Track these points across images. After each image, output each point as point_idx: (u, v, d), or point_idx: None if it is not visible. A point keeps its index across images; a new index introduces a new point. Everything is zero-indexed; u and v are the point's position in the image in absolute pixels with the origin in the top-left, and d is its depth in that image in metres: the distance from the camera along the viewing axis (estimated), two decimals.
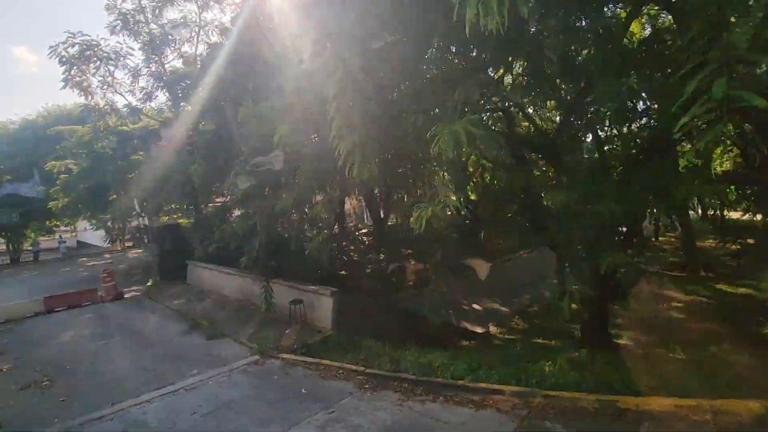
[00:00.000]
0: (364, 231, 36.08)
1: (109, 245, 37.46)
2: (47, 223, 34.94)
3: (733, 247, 12.36)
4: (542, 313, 17.57)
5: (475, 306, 18.33)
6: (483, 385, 6.69)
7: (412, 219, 4.83)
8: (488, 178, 17.01)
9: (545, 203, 8.51)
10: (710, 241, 23.31)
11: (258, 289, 12.16)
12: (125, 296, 15.74)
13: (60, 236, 34.13)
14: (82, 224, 36.06)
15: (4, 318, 13.11)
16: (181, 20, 20.14)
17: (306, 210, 10.19)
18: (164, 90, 19.88)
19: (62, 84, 16.98)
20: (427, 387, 6.95)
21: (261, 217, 10.89)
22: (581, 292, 7.45)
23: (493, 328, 15.55)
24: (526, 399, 6.30)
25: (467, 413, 6.19)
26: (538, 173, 10.15)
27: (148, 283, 18.14)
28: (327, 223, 8.31)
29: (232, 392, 7.24)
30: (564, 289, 6.55)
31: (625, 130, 8.17)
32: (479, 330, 15.39)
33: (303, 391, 7.15)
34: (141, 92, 20.13)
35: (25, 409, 7.24)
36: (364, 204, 28.75)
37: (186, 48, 21.38)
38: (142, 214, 24.00)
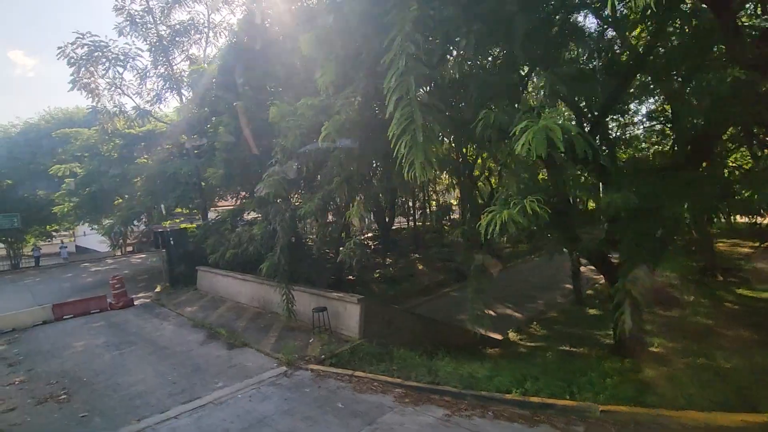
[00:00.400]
0: (369, 235, 35.83)
1: (110, 250, 37.02)
2: (47, 227, 34.46)
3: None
4: (561, 318, 17.26)
5: (488, 311, 17.94)
6: (534, 399, 6.33)
7: (482, 223, 4.48)
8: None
9: (582, 207, 8.22)
10: (721, 244, 23.12)
11: (277, 296, 11.78)
12: (134, 303, 15.29)
13: (62, 241, 33.56)
14: (81, 229, 35.56)
15: (11, 326, 12.66)
16: (189, 21, 19.85)
17: (330, 215, 9.84)
18: (173, 92, 19.55)
19: (70, 86, 16.62)
20: (472, 401, 6.58)
21: (282, 222, 10.53)
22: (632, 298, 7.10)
23: (512, 335, 15.21)
24: (582, 414, 5.94)
25: (519, 430, 5.83)
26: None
27: (157, 290, 17.72)
28: (359, 228, 7.94)
29: (264, 407, 6.85)
30: (623, 299, 6.17)
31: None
32: (498, 336, 15.06)
33: (340, 405, 6.77)
34: (148, 94, 19.82)
35: (44, 426, 6.82)
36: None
37: (194, 50, 21.10)
38: (144, 220, 23.60)
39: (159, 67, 19.57)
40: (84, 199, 21.03)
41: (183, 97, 19.90)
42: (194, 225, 28.48)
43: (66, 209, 21.68)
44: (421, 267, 27.16)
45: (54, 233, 35.80)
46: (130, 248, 38.07)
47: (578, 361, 9.53)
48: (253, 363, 8.81)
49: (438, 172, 11.76)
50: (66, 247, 31.82)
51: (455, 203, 30.37)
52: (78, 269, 27.25)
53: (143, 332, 11.69)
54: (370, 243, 30.60)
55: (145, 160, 21.02)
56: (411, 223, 35.63)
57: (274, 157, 9.25)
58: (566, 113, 8.83)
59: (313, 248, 11.29)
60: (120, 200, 22.03)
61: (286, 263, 10.45)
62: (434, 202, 35.21)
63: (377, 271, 23.80)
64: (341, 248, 8.12)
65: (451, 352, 9.59)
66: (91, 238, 34.67)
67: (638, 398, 6.08)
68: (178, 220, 25.25)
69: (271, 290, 12.59)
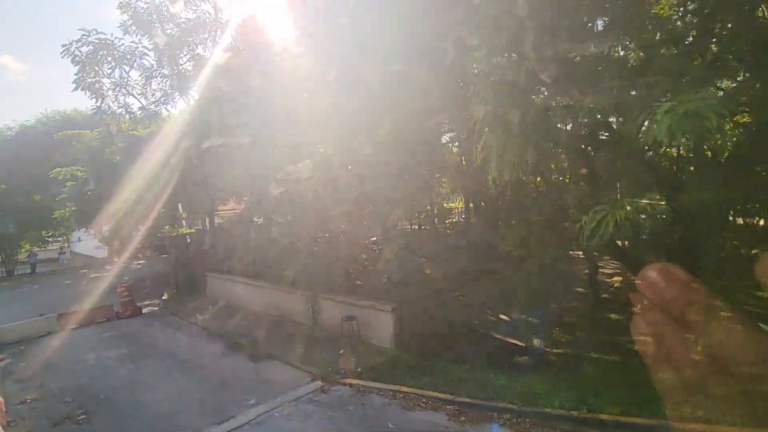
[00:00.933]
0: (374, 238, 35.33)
1: (106, 256, 36.15)
2: (42, 233, 33.54)
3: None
4: (582, 324, 16.81)
5: (502, 316, 17.51)
6: (604, 417, 5.84)
7: (588, 224, 3.99)
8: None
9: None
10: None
11: (298, 303, 11.26)
12: (143, 311, 14.63)
13: (61, 246, 32.66)
14: (75, 234, 34.65)
15: (14, 338, 11.96)
16: (196, 19, 19.25)
17: (366, 217, 9.32)
18: (180, 93, 18.93)
19: (74, 86, 15.99)
20: (536, 419, 6.09)
21: (307, 225, 9.99)
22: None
23: (536, 341, 14.73)
24: None
25: None
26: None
27: (164, 297, 17.04)
28: (401, 231, 7.43)
29: (307, 428, 6.30)
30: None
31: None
32: (519, 343, 14.57)
33: (391, 425, 6.24)
34: (153, 95, 19.18)
35: None
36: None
37: (200, 50, 20.45)
38: (138, 226, 22.90)
39: (165, 67, 18.97)
40: (85, 203, 20.29)
41: (191, 98, 19.30)
42: (192, 229, 27.81)
43: (67, 214, 20.92)
44: (428, 271, 26.76)
45: (49, 239, 34.93)
46: (126, 254, 37.18)
47: (620, 370, 9.06)
48: (283, 377, 8.24)
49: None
50: (65, 252, 30.91)
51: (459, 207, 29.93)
52: (76, 276, 26.42)
53: (158, 343, 11.06)
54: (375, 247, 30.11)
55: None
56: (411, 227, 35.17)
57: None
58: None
59: (340, 253, 10.75)
60: (123, 205, 21.29)
61: (312, 269, 9.91)
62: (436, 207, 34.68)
63: (385, 276, 23.33)
64: (386, 252, 7.59)
65: (479, 361, 9.08)
66: (86, 243, 33.82)
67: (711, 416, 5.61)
68: (176, 225, 24.53)
69: (290, 297, 12.04)
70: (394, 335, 9.12)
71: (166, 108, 20.07)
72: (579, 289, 20.33)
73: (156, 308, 15.38)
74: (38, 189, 27.46)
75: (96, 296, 18.09)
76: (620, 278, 15.72)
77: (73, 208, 20.83)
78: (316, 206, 10.15)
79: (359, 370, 8.19)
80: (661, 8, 6.58)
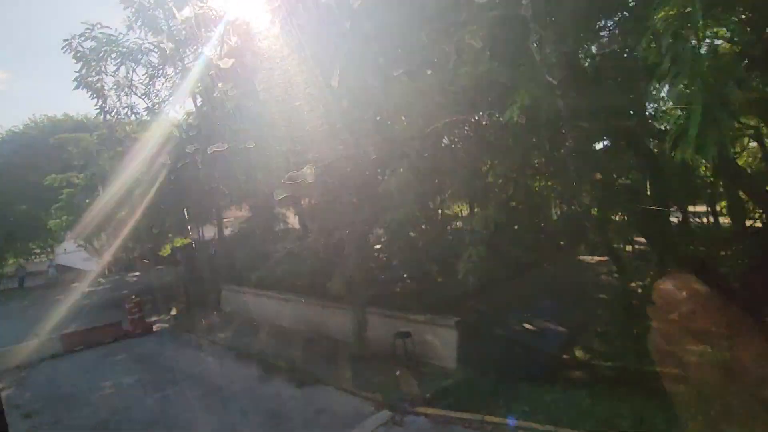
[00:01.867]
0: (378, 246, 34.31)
1: (96, 269, 34.45)
2: (29, 245, 31.79)
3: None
4: (616, 333, 16.04)
5: (527, 326, 16.64)
6: None
7: None
8: None
9: None
10: None
11: (335, 318, 10.31)
12: (153, 329, 13.39)
13: (50, 259, 30.90)
14: (63, 246, 32.85)
15: (14, 363, 10.66)
16: (201, 15, 18.18)
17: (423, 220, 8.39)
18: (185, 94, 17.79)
19: (75, 84, 14.79)
20: None
21: (352, 233, 9.03)
22: None
23: (579, 353, 13.90)
24: None
25: None
26: None
27: (172, 312, 15.78)
28: (479, 239, 6.53)
29: None
30: None
31: None
32: (566, 355, 13.72)
33: None
34: (156, 96, 18.02)
35: None
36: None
37: (205, 50, 19.34)
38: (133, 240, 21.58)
39: (169, 65, 17.85)
40: (83, 212, 18.92)
41: (196, 99, 18.19)
42: (188, 240, 26.52)
43: (64, 223, 19.49)
44: (439, 279, 25.81)
45: (36, 251, 33.11)
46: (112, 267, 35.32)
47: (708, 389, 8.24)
48: (341, 406, 7.22)
49: None
50: (54, 264, 29.16)
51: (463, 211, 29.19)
52: (68, 290, 24.77)
53: (180, 366, 9.89)
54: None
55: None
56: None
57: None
58: None
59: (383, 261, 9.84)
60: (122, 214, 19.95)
61: (359, 280, 8.93)
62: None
63: (399, 284, 22.28)
64: (463, 260, 6.66)
65: (534, 378, 8.15)
66: (74, 256, 32.07)
67: None
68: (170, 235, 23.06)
69: (325, 311, 11.03)
70: (458, 353, 8.17)
71: (173, 109, 18.93)
72: (602, 296, 19.55)
73: (167, 325, 14.13)
74: (24, 198, 25.87)
75: (96, 313, 16.77)
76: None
77: (68, 218, 19.40)
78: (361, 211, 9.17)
79: (428, 395, 7.21)
80: None
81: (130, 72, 15.52)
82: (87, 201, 18.30)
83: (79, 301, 20.65)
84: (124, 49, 14.88)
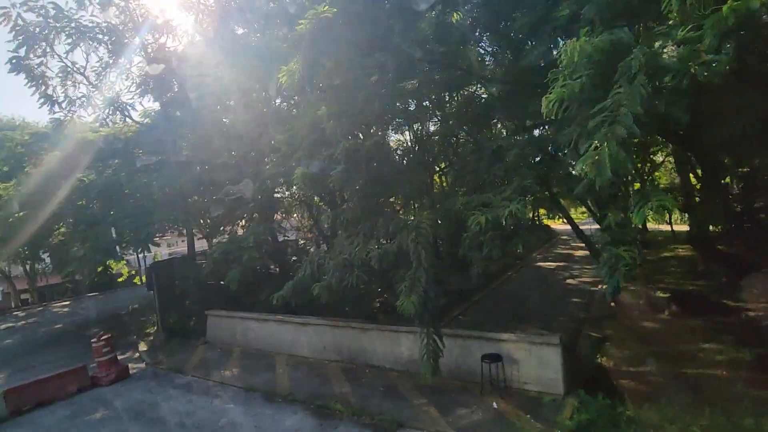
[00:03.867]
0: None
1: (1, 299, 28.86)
2: None
3: None
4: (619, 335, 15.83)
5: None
6: None
7: None
8: None
9: None
10: None
11: (381, 343, 8.75)
12: (130, 372, 10.62)
13: None
14: None
15: None
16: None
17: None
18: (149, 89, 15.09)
19: (10, 67, 11.71)
20: None
21: (424, 240, 7.54)
22: None
23: (604, 360, 13.33)
24: None
25: None
26: None
27: (141, 348, 12.89)
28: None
29: None
30: None
31: None
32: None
33: None
34: (110, 90, 15.15)
35: None
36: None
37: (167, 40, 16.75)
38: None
39: (123, 57, 15.05)
40: (8, 229, 15.17)
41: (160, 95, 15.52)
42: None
43: None
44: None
45: None
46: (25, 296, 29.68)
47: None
48: None
49: None
50: None
51: None
52: None
53: (197, 422, 7.56)
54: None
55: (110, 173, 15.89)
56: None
57: None
58: None
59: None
60: (63, 228, 16.40)
61: (434, 296, 7.42)
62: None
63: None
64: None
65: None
66: None
67: None
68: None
69: (366, 336, 9.34)
70: (564, 375, 6.95)
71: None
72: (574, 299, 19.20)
73: (141, 365, 11.35)
74: None
75: (26, 356, 13.35)
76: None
77: None
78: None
79: None
80: None
81: (88, 56, 12.67)
82: (19, 213, 14.72)
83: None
84: (81, 28, 12.06)
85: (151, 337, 13.96)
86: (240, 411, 7.81)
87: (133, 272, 25.61)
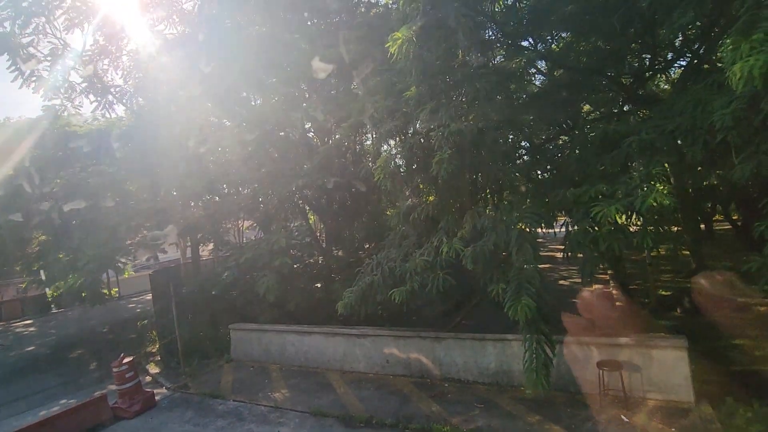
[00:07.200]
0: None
1: None
2: None
3: None
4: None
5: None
6: None
7: None
8: None
9: None
10: None
11: (462, 353, 7.95)
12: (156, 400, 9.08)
13: None
14: None
15: None
16: None
17: None
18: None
19: None
20: None
21: (530, 236, 6.81)
22: None
23: None
24: None
25: None
26: None
27: (152, 369, 11.28)
28: None
29: None
30: None
31: None
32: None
33: None
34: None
35: None
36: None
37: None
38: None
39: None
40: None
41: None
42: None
43: None
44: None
45: None
46: None
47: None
48: None
49: None
50: None
51: None
52: None
53: None
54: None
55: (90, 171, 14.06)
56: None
57: None
58: None
59: None
60: (41, 237, 14.31)
61: (545, 301, 6.67)
62: None
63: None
64: None
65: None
66: None
67: None
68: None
69: (435, 344, 8.48)
70: (692, 382, 6.38)
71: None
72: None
73: (162, 389, 9.82)
74: None
75: (20, 384, 11.44)
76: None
77: None
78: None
79: None
80: None
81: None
82: None
83: None
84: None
85: (158, 357, 12.31)
86: None
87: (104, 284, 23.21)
